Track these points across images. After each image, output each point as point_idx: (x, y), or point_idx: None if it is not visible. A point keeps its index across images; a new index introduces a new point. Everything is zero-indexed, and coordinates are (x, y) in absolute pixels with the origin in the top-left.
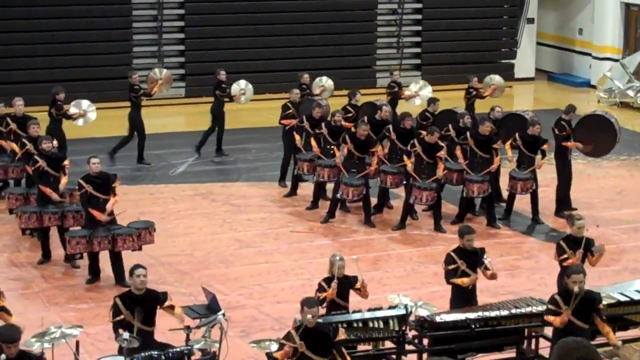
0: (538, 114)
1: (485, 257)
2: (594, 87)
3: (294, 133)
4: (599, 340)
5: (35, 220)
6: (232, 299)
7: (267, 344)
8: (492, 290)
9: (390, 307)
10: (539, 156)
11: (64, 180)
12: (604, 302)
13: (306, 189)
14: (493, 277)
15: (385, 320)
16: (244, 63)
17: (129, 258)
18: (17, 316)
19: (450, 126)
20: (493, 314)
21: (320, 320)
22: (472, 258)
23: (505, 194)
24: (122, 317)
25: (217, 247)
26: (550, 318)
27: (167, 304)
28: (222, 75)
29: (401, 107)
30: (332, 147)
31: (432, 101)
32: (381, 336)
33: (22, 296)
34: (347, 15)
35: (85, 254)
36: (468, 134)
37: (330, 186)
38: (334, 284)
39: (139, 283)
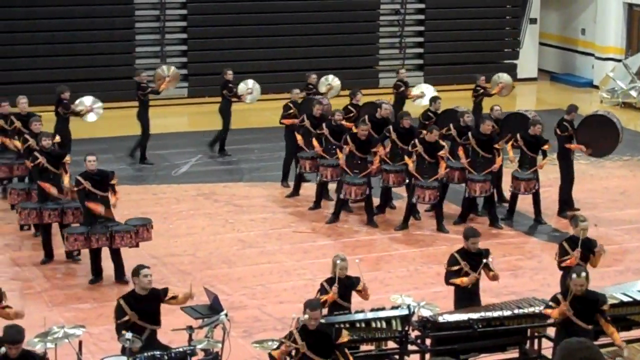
0: (541, 115)
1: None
2: (596, 87)
3: (295, 132)
4: (602, 340)
5: (35, 216)
6: (235, 299)
7: (269, 344)
8: (494, 291)
9: (393, 308)
10: (540, 156)
11: (66, 178)
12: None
13: (309, 189)
14: (495, 278)
15: (388, 320)
16: (246, 63)
17: (131, 258)
18: None
19: (451, 125)
20: (496, 314)
21: (323, 321)
22: (476, 260)
23: (507, 194)
24: (127, 318)
25: (220, 247)
26: (548, 311)
27: (169, 296)
28: (229, 74)
29: (407, 107)
30: (334, 146)
31: (433, 100)
32: (384, 336)
33: (25, 296)
34: (350, 15)
35: (87, 256)
36: (470, 134)
37: (332, 187)
38: (335, 288)
39: (146, 283)
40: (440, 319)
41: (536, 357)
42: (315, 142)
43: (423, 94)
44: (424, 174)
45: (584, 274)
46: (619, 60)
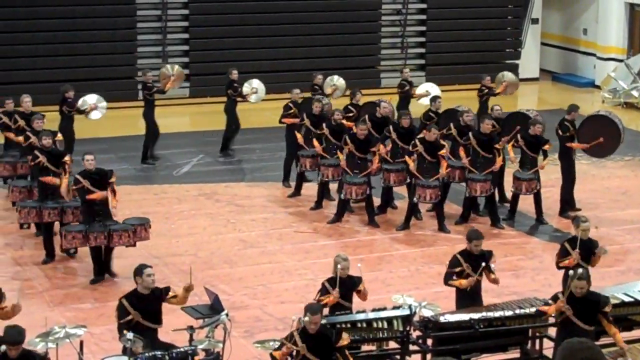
0: (542, 115)
1: (491, 261)
2: (598, 87)
3: (295, 132)
4: (604, 340)
5: (35, 215)
6: (236, 299)
7: (270, 344)
8: (496, 291)
9: (395, 308)
10: (541, 157)
11: (64, 181)
12: None
13: (310, 189)
14: (495, 281)
15: (390, 320)
16: (248, 63)
17: (133, 257)
18: (21, 316)
19: (451, 125)
20: (497, 314)
21: (324, 321)
22: (478, 262)
23: (509, 194)
24: (130, 317)
25: (221, 247)
26: (544, 308)
27: (170, 295)
28: (235, 74)
29: (412, 107)
30: (334, 146)
31: (433, 99)
32: (385, 336)
33: (26, 296)
34: (352, 15)
35: (88, 255)
36: (470, 133)
37: (333, 187)
38: (337, 293)
39: (149, 282)
40: (442, 319)
41: (537, 357)
42: (315, 142)
43: (428, 93)
44: (425, 174)
45: (584, 276)
46: (621, 61)
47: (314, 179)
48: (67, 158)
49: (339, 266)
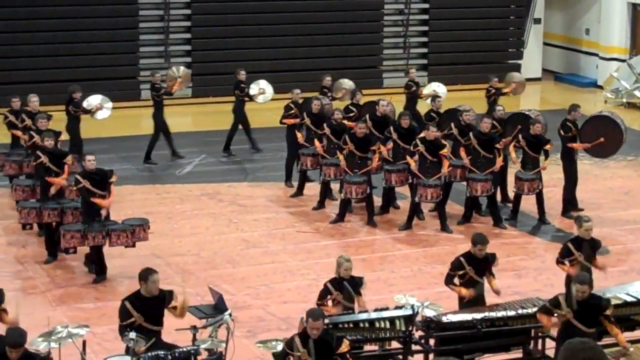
0: (545, 115)
1: (494, 264)
2: (600, 87)
3: (295, 131)
4: (606, 340)
5: (35, 215)
6: (239, 299)
7: (273, 344)
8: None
9: (397, 308)
10: (542, 157)
11: (61, 180)
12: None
13: (312, 189)
14: (497, 292)
15: (392, 320)
16: (250, 63)
17: (135, 257)
18: (24, 316)
19: (452, 125)
20: (499, 314)
21: (326, 320)
22: (482, 265)
23: (511, 194)
24: (132, 319)
25: (224, 247)
26: (544, 319)
27: (172, 304)
28: (242, 75)
29: (420, 107)
30: (336, 145)
31: (433, 99)
32: (388, 336)
33: (29, 296)
34: (354, 15)
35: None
36: (471, 133)
37: (335, 187)
38: (333, 308)
39: (154, 289)
40: (444, 319)
41: (540, 357)
42: (316, 142)
43: (435, 93)
44: (426, 173)
45: (586, 280)
46: (623, 61)
47: (316, 179)
48: (68, 159)
49: (342, 267)
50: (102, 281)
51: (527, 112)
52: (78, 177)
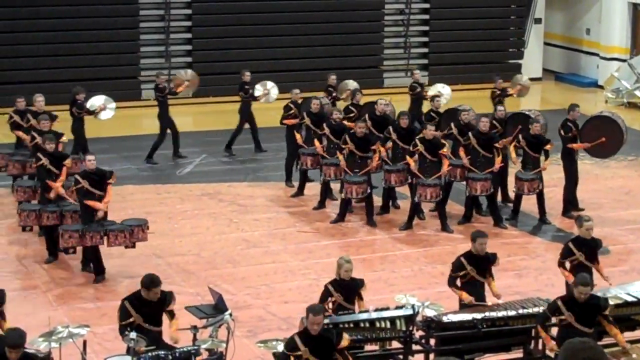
0: (545, 115)
1: (495, 264)
2: (601, 87)
3: (295, 132)
4: (606, 340)
5: (34, 218)
6: (239, 299)
7: (274, 343)
8: (499, 290)
9: (398, 307)
10: (543, 157)
11: (58, 183)
12: (611, 303)
13: (313, 189)
14: (497, 297)
15: (393, 320)
16: (251, 63)
17: (136, 257)
18: (25, 316)
19: (452, 125)
20: (500, 314)
21: (326, 321)
22: (483, 264)
23: (512, 194)
24: (131, 319)
25: (224, 247)
26: (543, 334)
27: (170, 307)
28: (247, 76)
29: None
30: (335, 145)
31: (432, 99)
32: (388, 336)
33: (30, 295)
34: (354, 15)
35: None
36: (470, 133)
37: (335, 187)
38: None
39: (154, 298)
40: (445, 319)
41: (540, 357)
42: (316, 142)
43: (440, 94)
44: (426, 173)
45: (590, 282)
46: (624, 60)
47: (317, 179)
48: (67, 161)
49: (342, 268)
50: (102, 281)
51: (527, 112)
52: (77, 177)
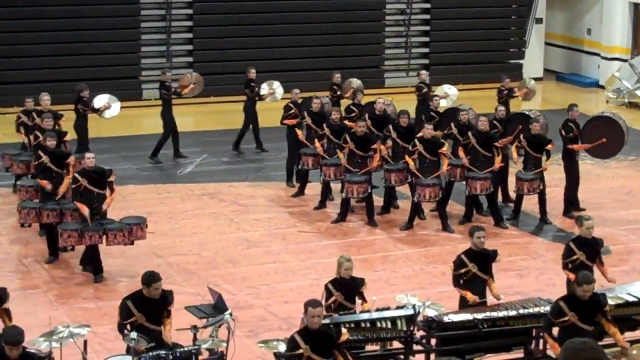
0: (546, 115)
1: (496, 260)
2: (602, 87)
3: (295, 129)
4: (606, 341)
5: (35, 216)
6: (240, 299)
7: (274, 343)
8: (500, 291)
9: (398, 307)
10: (544, 157)
11: (66, 181)
12: (612, 303)
13: (314, 188)
14: (497, 298)
15: (393, 320)
16: (251, 63)
17: (136, 257)
18: (26, 315)
19: (452, 125)
20: (501, 314)
21: (327, 321)
22: (484, 261)
23: (512, 194)
24: (134, 319)
25: (225, 247)
26: (550, 340)
27: (170, 308)
28: (252, 73)
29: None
30: (336, 145)
31: (431, 98)
32: (389, 336)
33: (30, 295)
34: (355, 15)
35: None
36: (470, 133)
37: (335, 187)
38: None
39: (155, 295)
40: (446, 319)
41: (541, 357)
42: (317, 143)
43: (447, 95)
44: (426, 173)
45: (593, 280)
46: (625, 60)
47: (317, 179)
48: (71, 159)
49: (342, 266)
50: (101, 280)
51: (527, 112)
52: (77, 175)
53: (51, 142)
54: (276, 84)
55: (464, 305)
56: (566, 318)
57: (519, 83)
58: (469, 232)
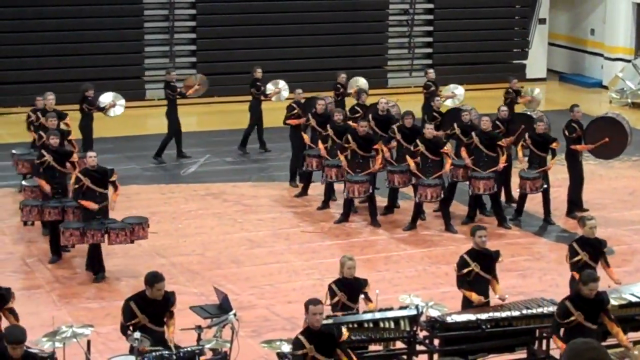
0: (549, 115)
1: (499, 260)
2: (605, 87)
3: (302, 132)
4: (610, 341)
5: (37, 213)
6: (244, 299)
7: (278, 344)
8: (503, 291)
9: (401, 308)
10: (549, 156)
11: (73, 176)
12: (615, 303)
13: (317, 189)
14: (502, 299)
15: (396, 320)
16: (255, 63)
17: (140, 257)
18: (29, 315)
19: (455, 125)
20: (504, 314)
21: (330, 321)
22: (487, 260)
23: (515, 194)
24: (137, 320)
25: (229, 247)
26: (558, 342)
27: (172, 309)
28: (259, 72)
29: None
30: (338, 146)
31: (432, 98)
32: (392, 336)
33: (34, 295)
34: (359, 15)
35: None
36: (473, 133)
37: (338, 188)
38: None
39: (158, 296)
40: (449, 319)
41: (544, 358)
42: (320, 145)
43: (454, 95)
44: (428, 173)
45: (598, 278)
46: (628, 61)
47: (320, 179)
48: (74, 157)
49: (345, 266)
50: (102, 279)
51: (529, 113)
52: (79, 175)
53: (54, 141)
54: (282, 84)
55: (467, 305)
56: (573, 318)
57: (523, 91)
58: (470, 232)
